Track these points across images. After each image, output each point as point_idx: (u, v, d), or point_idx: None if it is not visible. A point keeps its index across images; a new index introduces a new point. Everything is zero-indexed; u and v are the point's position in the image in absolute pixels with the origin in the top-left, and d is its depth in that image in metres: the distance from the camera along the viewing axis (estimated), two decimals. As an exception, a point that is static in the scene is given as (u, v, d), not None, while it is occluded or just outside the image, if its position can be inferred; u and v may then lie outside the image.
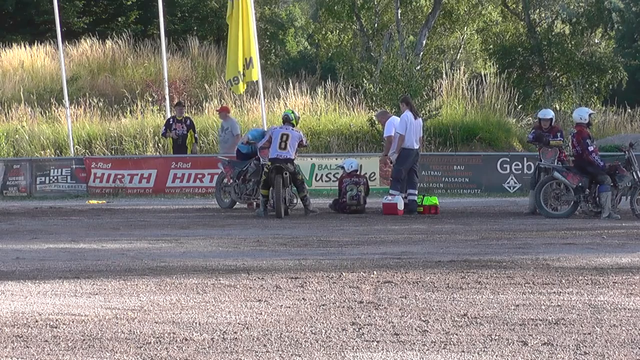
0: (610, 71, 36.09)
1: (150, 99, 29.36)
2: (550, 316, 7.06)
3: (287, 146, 16.59)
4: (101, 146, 26.84)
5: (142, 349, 6.11)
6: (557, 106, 33.10)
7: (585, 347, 6.07)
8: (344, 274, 9.21)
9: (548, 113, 17.57)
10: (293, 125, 17.07)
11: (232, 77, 23.16)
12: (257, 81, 23.84)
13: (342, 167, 18.19)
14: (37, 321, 6.99)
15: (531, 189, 16.99)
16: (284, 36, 42.47)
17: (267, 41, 40.73)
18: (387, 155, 17.77)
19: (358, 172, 18.14)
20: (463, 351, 6.00)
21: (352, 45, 39.19)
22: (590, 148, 15.96)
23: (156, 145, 26.60)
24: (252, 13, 23.33)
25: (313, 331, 6.58)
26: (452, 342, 6.22)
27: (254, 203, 17.82)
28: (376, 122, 24.61)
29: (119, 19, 38.68)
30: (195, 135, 23.58)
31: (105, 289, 8.44)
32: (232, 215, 17.33)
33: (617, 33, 41.75)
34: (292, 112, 17.51)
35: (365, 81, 28.31)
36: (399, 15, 36.40)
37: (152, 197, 22.34)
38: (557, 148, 16.96)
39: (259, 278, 8.98)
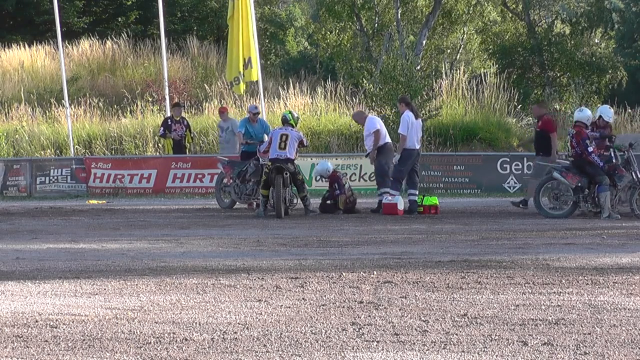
0: (610, 71, 36.07)
1: (150, 99, 29.37)
2: (550, 316, 7.06)
3: (287, 146, 16.60)
4: (101, 146, 26.85)
5: (142, 349, 6.11)
6: (557, 106, 33.08)
7: (585, 347, 6.07)
8: (344, 274, 9.21)
9: (611, 114, 17.07)
10: (292, 126, 17.08)
11: (233, 77, 23.18)
12: (257, 81, 23.88)
13: (325, 172, 17.87)
14: (37, 321, 6.99)
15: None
16: (284, 36, 42.46)
17: (267, 41, 40.72)
18: (371, 154, 17.45)
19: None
20: (463, 351, 6.00)
21: (352, 45, 39.18)
22: (590, 149, 15.96)
23: (156, 145, 26.61)
24: (252, 13, 23.34)
25: (313, 331, 6.58)
26: (452, 342, 6.22)
27: (254, 203, 17.82)
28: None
29: (119, 19, 38.67)
30: (193, 134, 23.62)
31: (105, 289, 8.44)
32: (232, 215, 17.33)
33: (617, 33, 41.71)
34: (290, 113, 17.54)
35: (365, 81, 28.30)
36: (399, 15, 36.39)
37: (152, 197, 22.35)
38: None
39: (259, 278, 8.98)
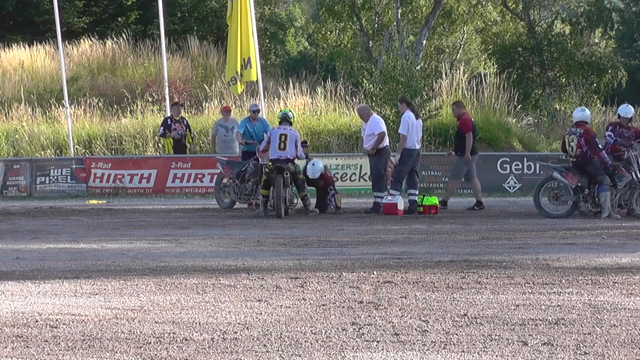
0: (610, 71, 36.06)
1: (150, 99, 29.36)
2: (550, 316, 7.06)
3: (287, 146, 16.60)
4: (101, 146, 26.84)
5: (142, 349, 6.11)
6: (557, 106, 33.07)
7: (585, 347, 6.07)
8: (344, 274, 9.21)
9: (629, 111, 16.84)
10: (291, 124, 17.10)
11: (230, 77, 23.21)
12: (256, 81, 23.87)
13: (323, 172, 17.78)
14: (37, 321, 6.99)
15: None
16: (284, 36, 42.45)
17: (267, 41, 40.71)
18: (368, 149, 17.39)
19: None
20: (463, 351, 6.00)
21: (352, 45, 39.19)
22: (600, 147, 16.03)
23: (156, 145, 26.61)
24: (251, 13, 23.33)
25: (313, 331, 6.58)
26: (452, 342, 6.22)
27: (254, 203, 17.81)
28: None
29: (119, 19, 38.66)
30: (192, 134, 23.61)
31: (105, 289, 8.44)
32: (232, 215, 17.33)
33: (617, 33, 41.69)
34: (290, 111, 17.54)
35: (365, 81, 28.30)
36: (399, 15, 36.39)
37: (152, 197, 22.35)
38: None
39: (259, 278, 8.98)
